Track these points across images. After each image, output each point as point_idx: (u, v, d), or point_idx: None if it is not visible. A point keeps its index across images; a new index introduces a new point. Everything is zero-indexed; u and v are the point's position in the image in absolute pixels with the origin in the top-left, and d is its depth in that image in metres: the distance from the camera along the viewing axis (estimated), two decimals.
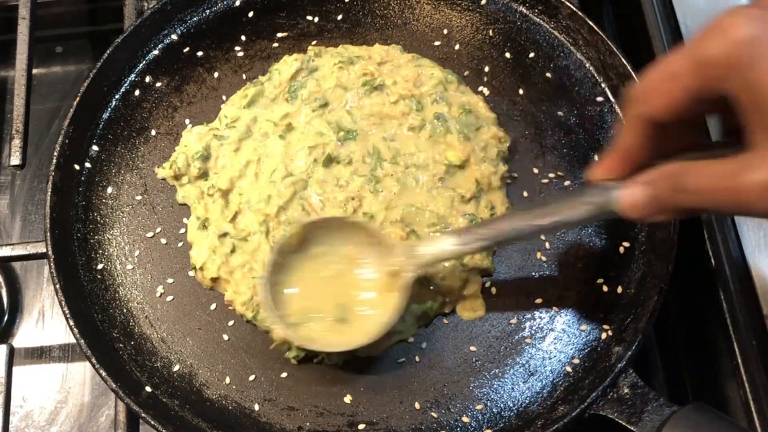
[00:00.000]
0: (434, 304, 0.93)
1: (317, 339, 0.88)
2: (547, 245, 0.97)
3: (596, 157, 1.00)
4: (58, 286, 0.91)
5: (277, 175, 0.97)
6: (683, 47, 0.60)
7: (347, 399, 0.91)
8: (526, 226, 0.80)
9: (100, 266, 0.97)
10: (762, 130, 0.56)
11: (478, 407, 0.89)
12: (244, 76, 1.08)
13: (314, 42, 1.09)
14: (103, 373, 0.87)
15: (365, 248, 0.90)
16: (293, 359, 0.91)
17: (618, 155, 0.69)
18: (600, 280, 0.94)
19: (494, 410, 0.89)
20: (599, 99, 1.03)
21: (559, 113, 1.03)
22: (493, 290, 0.95)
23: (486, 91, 1.05)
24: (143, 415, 0.86)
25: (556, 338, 0.92)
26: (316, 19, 1.10)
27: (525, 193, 1.00)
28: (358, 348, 0.88)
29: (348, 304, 0.90)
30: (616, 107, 1.02)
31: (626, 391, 0.84)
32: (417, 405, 0.90)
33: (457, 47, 1.08)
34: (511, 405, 0.89)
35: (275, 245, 0.90)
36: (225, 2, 1.10)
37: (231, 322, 0.95)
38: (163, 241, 1.00)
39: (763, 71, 0.55)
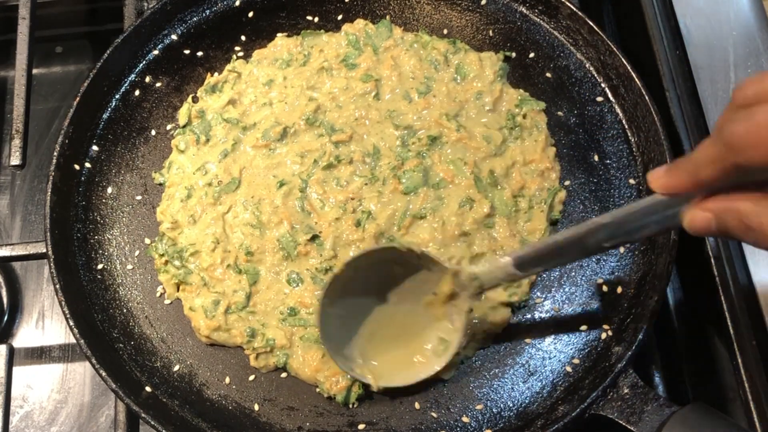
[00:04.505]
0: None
1: (394, 376, 0.88)
2: None
3: (596, 157, 1.00)
4: (58, 286, 0.91)
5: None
6: None
7: None
8: (587, 243, 0.74)
9: (100, 266, 0.97)
10: None
11: (478, 407, 0.89)
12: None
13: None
14: (103, 373, 0.87)
15: (417, 274, 0.87)
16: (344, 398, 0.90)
17: (690, 178, 0.65)
18: (600, 280, 0.94)
19: (494, 410, 0.89)
20: (599, 99, 1.03)
21: (559, 113, 1.03)
22: None
23: None
24: (143, 415, 0.86)
25: (556, 338, 0.92)
26: (316, 19, 1.10)
27: None
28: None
29: (413, 334, 0.88)
30: (616, 107, 1.02)
31: (626, 391, 0.84)
32: (417, 405, 0.90)
33: None
34: (511, 405, 0.89)
35: (322, 295, 0.86)
36: (225, 2, 1.10)
37: None
38: None
39: None
